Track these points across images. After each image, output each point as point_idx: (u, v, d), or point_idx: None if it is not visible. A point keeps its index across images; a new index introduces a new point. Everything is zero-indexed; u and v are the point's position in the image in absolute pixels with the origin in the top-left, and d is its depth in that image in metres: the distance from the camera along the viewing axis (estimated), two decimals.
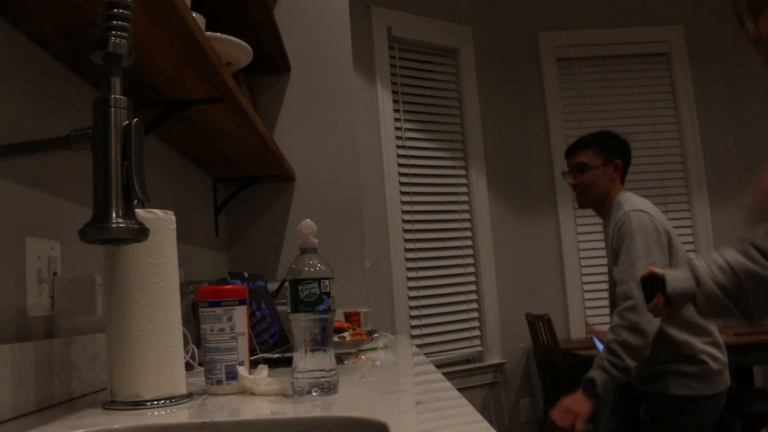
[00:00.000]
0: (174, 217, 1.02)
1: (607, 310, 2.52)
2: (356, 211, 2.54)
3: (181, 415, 0.87)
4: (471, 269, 3.92)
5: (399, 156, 3.70)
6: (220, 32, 1.56)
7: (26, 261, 1.00)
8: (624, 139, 2.38)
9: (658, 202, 3.68)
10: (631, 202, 2.20)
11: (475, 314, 3.89)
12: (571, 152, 2.39)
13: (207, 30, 1.49)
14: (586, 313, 4.15)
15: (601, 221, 2.45)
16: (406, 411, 0.84)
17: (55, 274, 1.07)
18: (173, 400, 0.96)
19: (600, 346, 2.35)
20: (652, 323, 2.03)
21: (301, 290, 0.98)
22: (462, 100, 4.01)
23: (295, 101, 2.57)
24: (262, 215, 2.52)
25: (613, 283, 2.22)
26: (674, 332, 2.10)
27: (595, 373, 2.06)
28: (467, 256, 3.92)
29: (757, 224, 1.50)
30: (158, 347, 0.96)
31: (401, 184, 3.69)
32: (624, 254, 2.11)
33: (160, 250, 0.98)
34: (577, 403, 2.07)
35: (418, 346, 3.53)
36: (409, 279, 3.64)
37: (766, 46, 1.26)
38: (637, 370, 2.07)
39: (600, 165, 2.30)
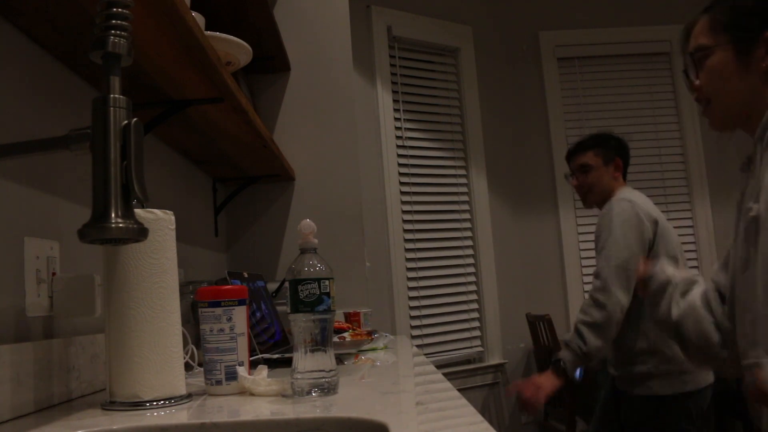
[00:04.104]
0: (173, 217, 1.02)
1: None
2: (356, 211, 2.53)
3: (180, 415, 0.87)
4: (471, 269, 3.91)
5: (399, 156, 3.70)
6: (220, 32, 1.55)
7: (25, 261, 1.00)
8: (621, 138, 2.45)
9: (659, 202, 3.68)
10: (623, 193, 2.27)
11: (475, 314, 3.89)
12: (572, 155, 2.45)
13: (207, 29, 1.49)
14: None
15: None
16: (406, 411, 0.84)
17: (54, 274, 1.07)
18: (173, 400, 0.96)
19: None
20: (618, 304, 2.09)
21: (301, 290, 0.97)
22: (462, 99, 4.00)
23: (295, 101, 2.56)
24: (261, 215, 2.51)
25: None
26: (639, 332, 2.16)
27: (563, 354, 2.18)
28: (467, 256, 3.91)
29: None
30: (157, 348, 0.96)
31: (401, 184, 3.68)
32: (602, 240, 2.20)
33: (160, 250, 0.98)
34: (545, 379, 2.18)
35: (418, 346, 3.52)
36: (409, 279, 3.64)
37: (704, 99, 1.31)
38: (602, 352, 2.16)
39: (601, 165, 2.36)
